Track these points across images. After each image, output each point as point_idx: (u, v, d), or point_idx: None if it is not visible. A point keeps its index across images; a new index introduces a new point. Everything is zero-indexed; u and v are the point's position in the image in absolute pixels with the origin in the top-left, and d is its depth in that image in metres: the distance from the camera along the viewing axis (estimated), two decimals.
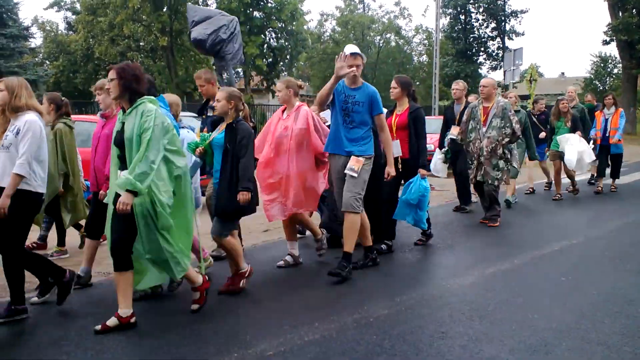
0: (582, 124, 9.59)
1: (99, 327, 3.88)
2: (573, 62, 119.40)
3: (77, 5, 34.68)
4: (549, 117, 9.78)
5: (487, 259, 5.83)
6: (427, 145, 6.18)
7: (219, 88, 5.38)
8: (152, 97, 4.07)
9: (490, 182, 7.19)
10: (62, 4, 36.79)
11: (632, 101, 29.25)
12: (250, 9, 29.67)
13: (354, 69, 5.04)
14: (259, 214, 5.35)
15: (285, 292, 4.85)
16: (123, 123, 3.94)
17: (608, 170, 10.38)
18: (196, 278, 4.29)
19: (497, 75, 41.45)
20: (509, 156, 7.23)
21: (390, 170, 5.27)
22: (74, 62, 33.94)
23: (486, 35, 39.14)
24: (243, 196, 4.48)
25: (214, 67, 7.06)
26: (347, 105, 5.13)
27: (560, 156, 9.22)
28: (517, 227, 7.52)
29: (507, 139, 7.11)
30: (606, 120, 10.13)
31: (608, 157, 10.27)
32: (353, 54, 5.10)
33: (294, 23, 30.88)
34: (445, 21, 37.78)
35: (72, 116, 6.01)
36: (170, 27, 28.21)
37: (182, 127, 5.34)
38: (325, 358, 3.50)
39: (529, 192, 10.14)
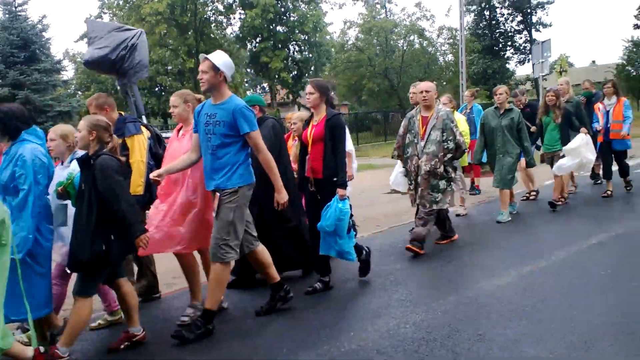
0: (578, 120, 8.08)
1: None
2: (604, 49, 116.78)
3: None
4: (536, 110, 8.52)
5: (523, 258, 5.75)
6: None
7: (120, 113, 4.95)
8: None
9: (428, 205, 6.05)
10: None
11: None
12: (274, 25, 30.00)
13: (201, 77, 4.19)
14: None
15: (320, 304, 4.85)
16: None
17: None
18: (22, 353, 3.53)
19: (526, 69, 40.78)
20: (452, 175, 6.13)
21: (279, 197, 4.34)
22: (105, 90, 34.89)
23: (512, 29, 38.63)
24: (142, 241, 3.82)
25: (119, 87, 6.41)
26: (208, 128, 4.18)
27: (553, 158, 8.09)
28: (547, 224, 7.39)
29: (449, 155, 6.02)
30: (607, 112, 8.70)
31: (612, 155, 8.83)
32: (202, 58, 4.22)
33: (317, 34, 31.07)
34: (469, 18, 37.48)
35: None
36: (196, 49, 28.75)
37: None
38: None
39: (533, 197, 8.92)
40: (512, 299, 4.51)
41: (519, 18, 38.15)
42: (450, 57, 38.96)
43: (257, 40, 30.42)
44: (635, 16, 30.54)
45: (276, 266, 4.63)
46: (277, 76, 29.51)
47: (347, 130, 6.36)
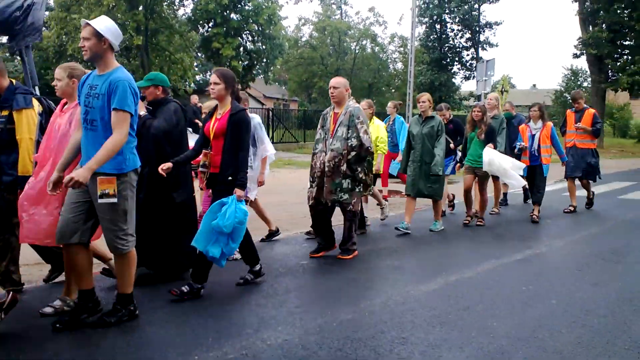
0: (490, 135, 8.01)
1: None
2: (545, 74, 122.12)
3: (51, 2, 34.16)
4: (460, 127, 8.65)
5: (450, 266, 5.92)
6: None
7: (12, 81, 4.63)
8: None
9: (330, 204, 5.96)
10: None
11: (601, 115, 29.96)
12: (228, 11, 29.60)
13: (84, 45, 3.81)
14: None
15: (249, 296, 4.84)
16: None
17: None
18: None
19: (471, 85, 41.99)
20: (360, 175, 5.88)
21: (81, 173, 3.60)
22: (46, 58, 33.37)
23: (461, 45, 39.79)
24: None
25: (6, 52, 6.30)
26: (87, 100, 3.81)
27: (475, 173, 8.10)
28: (482, 235, 7.66)
29: (353, 153, 5.80)
30: (533, 136, 8.69)
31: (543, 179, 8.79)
32: (84, 23, 3.84)
33: (272, 27, 30.89)
34: (421, 30, 38.31)
35: None
36: (145, 26, 27.98)
37: None
38: None
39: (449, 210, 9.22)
40: (436, 305, 4.63)
41: (468, 35, 39.33)
42: (400, 65, 39.66)
43: (210, 25, 29.92)
44: (574, 46, 32.02)
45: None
46: (227, 64, 29.13)
47: (264, 131, 6.32)
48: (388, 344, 3.81)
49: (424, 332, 4.04)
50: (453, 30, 39.45)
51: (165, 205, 4.99)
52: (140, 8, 27.72)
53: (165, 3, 29.43)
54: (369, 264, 6.03)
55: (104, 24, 3.82)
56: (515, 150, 8.67)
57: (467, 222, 8.22)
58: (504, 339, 3.95)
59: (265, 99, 41.77)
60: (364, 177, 5.93)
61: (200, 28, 30.70)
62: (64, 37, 30.39)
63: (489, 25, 38.88)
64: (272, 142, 8.95)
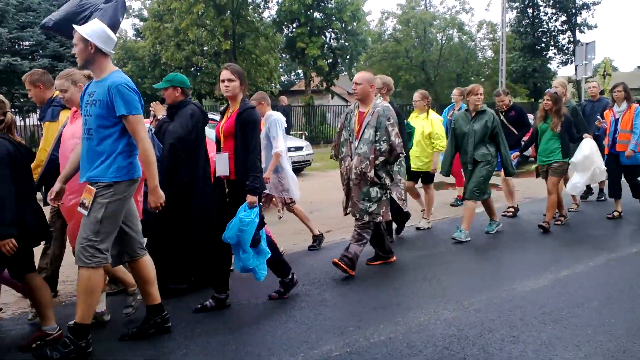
0: (576, 127, 7.18)
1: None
2: None
3: (145, 12, 36.00)
4: (523, 114, 7.79)
5: (560, 261, 5.58)
6: None
7: (56, 93, 4.52)
8: None
9: (358, 216, 5.26)
10: (131, 11, 38.36)
11: None
12: (311, 10, 29.83)
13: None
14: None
15: (350, 293, 4.80)
16: None
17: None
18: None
19: (569, 70, 39.89)
20: (386, 181, 5.21)
21: (151, 198, 3.65)
22: (142, 67, 35.25)
23: (556, 29, 37.73)
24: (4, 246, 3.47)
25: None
26: (86, 108, 3.62)
27: (547, 171, 7.04)
28: (588, 229, 7.17)
29: (381, 158, 5.12)
30: (616, 120, 7.49)
31: (621, 171, 7.56)
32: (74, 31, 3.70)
33: (355, 23, 30.81)
34: (511, 15, 36.76)
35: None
36: (232, 31, 28.76)
37: None
38: None
39: (510, 214, 7.83)
40: (547, 302, 4.37)
41: (563, 18, 37.23)
42: (489, 53, 38.34)
43: (294, 25, 30.28)
44: None
45: (159, 277, 4.03)
46: (313, 63, 29.38)
47: (279, 128, 5.88)
48: (497, 343, 3.63)
49: (536, 330, 3.81)
50: (547, 13, 37.48)
51: (180, 213, 4.69)
52: (228, 13, 28.53)
53: (251, 7, 30.11)
54: (470, 261, 5.80)
55: (90, 28, 3.64)
56: (596, 130, 7.72)
57: (560, 222, 7.27)
58: (624, 337, 3.66)
59: (349, 96, 41.79)
60: (389, 184, 5.29)
61: (284, 29, 31.17)
62: (157, 46, 31.91)
63: (587, 5, 36.61)
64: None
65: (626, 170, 7.53)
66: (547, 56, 37.45)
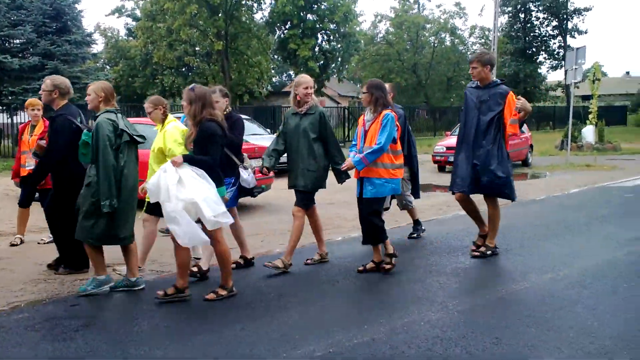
0: None
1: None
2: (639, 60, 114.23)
3: (138, 12, 35.86)
4: None
5: (545, 265, 5.61)
6: None
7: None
8: None
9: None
10: (123, 10, 38.15)
11: None
12: (304, 12, 29.84)
13: None
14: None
15: (334, 294, 4.81)
16: None
17: None
18: None
19: (558, 75, 40.16)
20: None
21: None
22: (133, 67, 35.10)
23: (547, 34, 38.02)
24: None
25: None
26: None
27: None
28: (576, 234, 7.22)
29: None
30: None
31: None
32: None
33: (347, 25, 30.83)
34: (503, 20, 36.99)
35: (130, 119, 6.13)
36: (225, 32, 28.71)
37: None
38: None
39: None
40: (530, 305, 4.40)
41: (555, 23, 37.54)
42: None
43: (287, 26, 30.27)
44: None
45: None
46: (304, 65, 29.37)
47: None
48: (480, 344, 3.65)
49: (519, 333, 3.83)
50: (539, 18, 37.78)
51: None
52: (220, 14, 28.48)
53: (244, 8, 30.06)
54: (456, 262, 5.83)
55: None
56: None
57: None
58: (606, 340, 3.68)
59: (340, 98, 41.79)
60: None
61: (277, 30, 31.14)
62: (149, 45, 31.80)
63: (578, 11, 36.91)
64: (348, 140, 8.25)
65: None
66: (538, 61, 37.72)
